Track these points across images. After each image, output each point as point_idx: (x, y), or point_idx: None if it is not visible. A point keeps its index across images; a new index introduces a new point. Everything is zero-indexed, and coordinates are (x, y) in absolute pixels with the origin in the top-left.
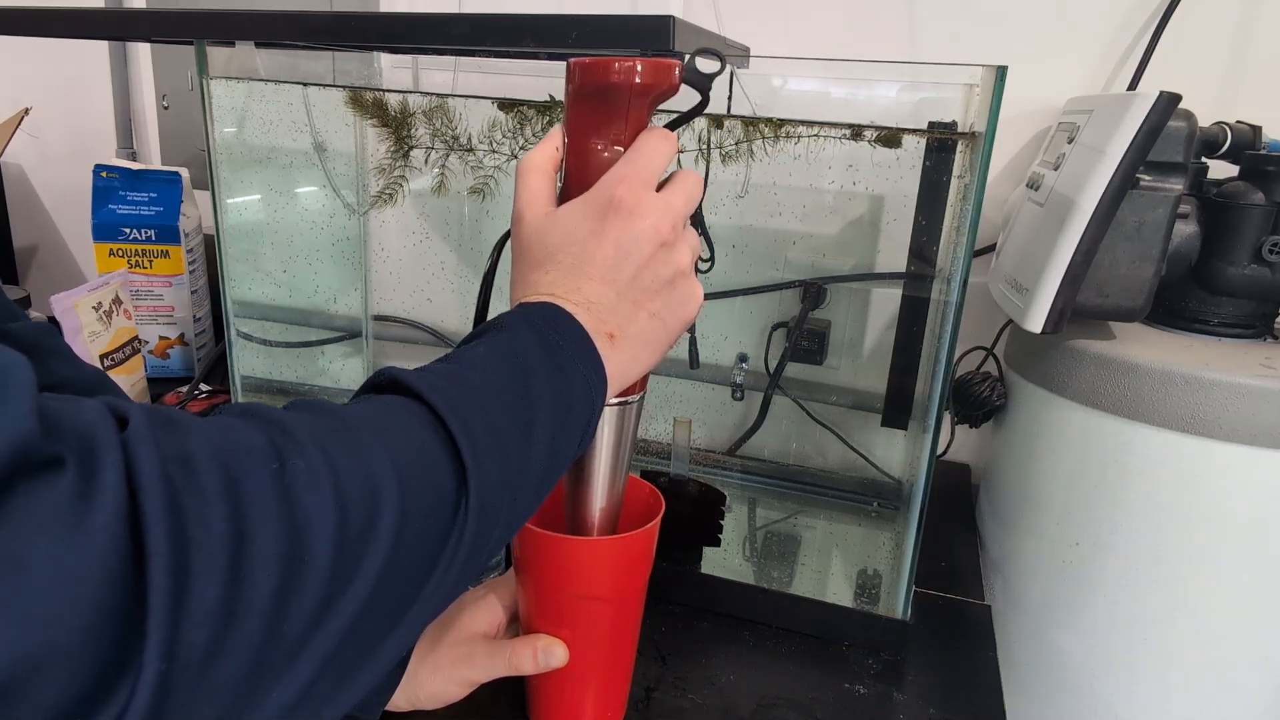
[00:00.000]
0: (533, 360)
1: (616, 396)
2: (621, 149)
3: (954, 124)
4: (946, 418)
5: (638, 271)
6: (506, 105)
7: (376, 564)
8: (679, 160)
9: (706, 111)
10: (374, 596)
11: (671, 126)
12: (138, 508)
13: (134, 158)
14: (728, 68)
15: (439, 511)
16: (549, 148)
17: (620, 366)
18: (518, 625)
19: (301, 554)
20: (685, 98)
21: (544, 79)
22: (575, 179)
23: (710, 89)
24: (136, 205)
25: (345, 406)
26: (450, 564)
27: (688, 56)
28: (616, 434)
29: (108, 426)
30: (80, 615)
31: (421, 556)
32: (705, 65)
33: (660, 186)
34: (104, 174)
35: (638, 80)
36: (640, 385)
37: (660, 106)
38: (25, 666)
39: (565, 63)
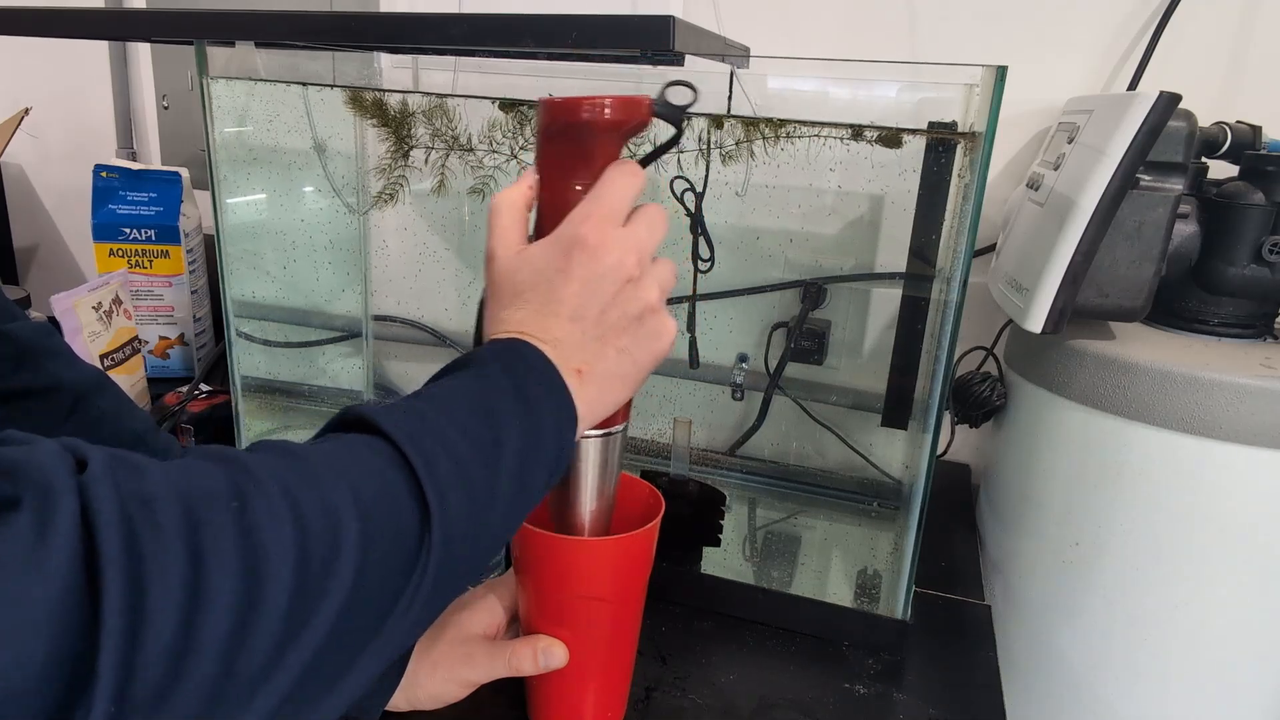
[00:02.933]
0: (499, 395)
1: (599, 428)
2: (593, 185)
3: (954, 124)
4: (946, 418)
5: (604, 309)
6: (507, 105)
7: (336, 602)
8: (679, 162)
9: (706, 112)
10: (334, 633)
11: (643, 162)
12: (94, 548)
13: (134, 158)
14: (714, 64)
15: (401, 548)
16: (522, 186)
17: (590, 402)
18: (518, 626)
19: (259, 593)
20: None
21: (544, 79)
22: (548, 216)
23: (684, 121)
24: (136, 205)
25: (309, 445)
26: (413, 600)
27: (659, 89)
28: (600, 464)
29: (64, 468)
30: (33, 656)
31: (383, 593)
32: (677, 97)
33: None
34: (104, 174)
35: (606, 117)
36: (623, 415)
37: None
38: None
39: (538, 100)
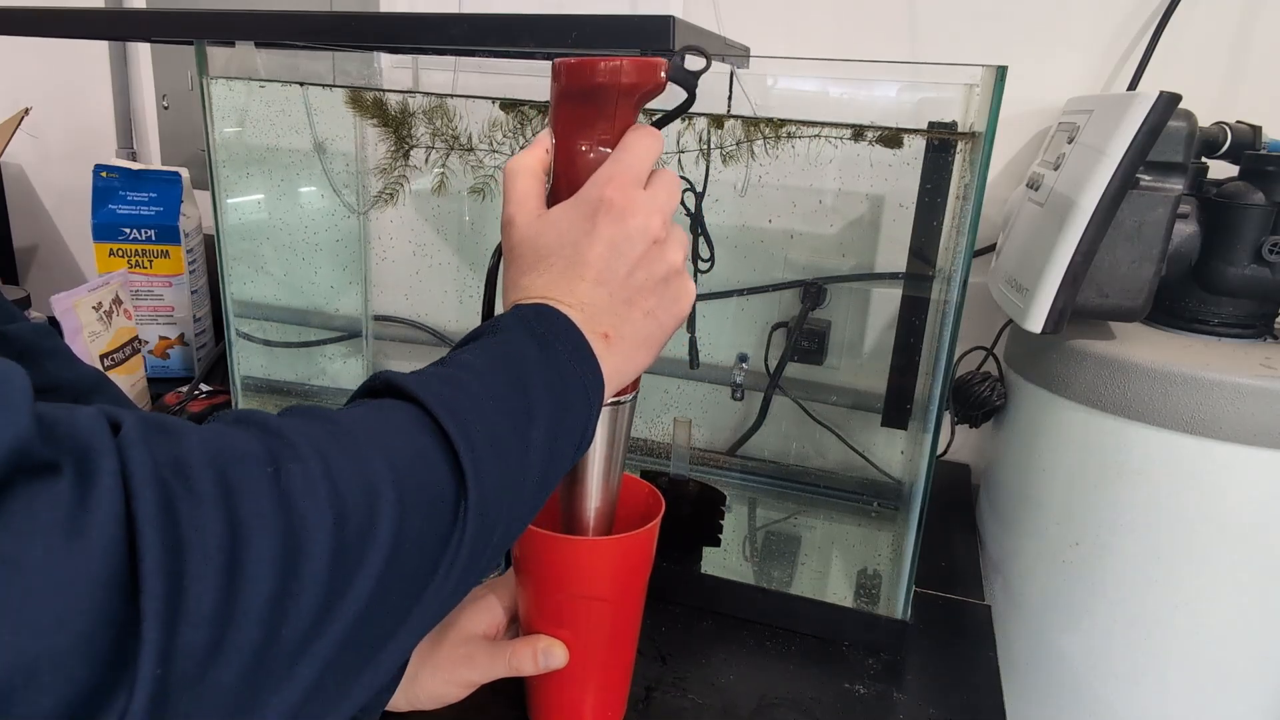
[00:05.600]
0: (529, 362)
1: (610, 397)
2: (609, 149)
3: (954, 124)
4: (946, 418)
5: (631, 270)
6: (507, 105)
7: (376, 567)
8: (680, 161)
9: (706, 112)
10: (374, 600)
11: (659, 124)
12: (131, 511)
13: (134, 158)
14: (714, 65)
15: (438, 514)
16: (538, 150)
17: (616, 366)
18: (518, 626)
19: (298, 556)
20: (673, 94)
21: (544, 79)
22: (564, 180)
23: (697, 86)
24: (136, 205)
25: (341, 411)
26: (451, 567)
27: (674, 55)
28: (610, 434)
29: (104, 432)
30: (76, 619)
31: (421, 559)
32: (692, 63)
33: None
34: (104, 174)
35: (624, 80)
36: (633, 386)
37: (648, 105)
38: (22, 672)
39: (550, 63)
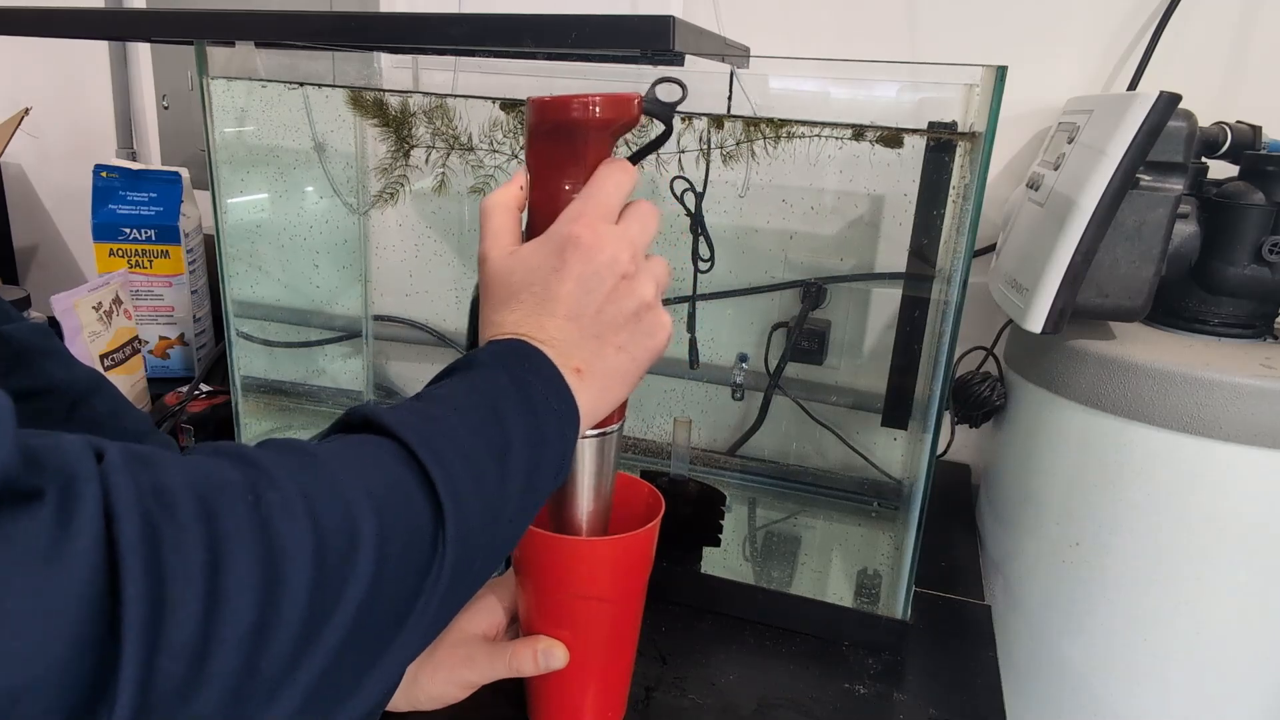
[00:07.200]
0: (504, 396)
1: (595, 428)
2: (583, 184)
3: (954, 124)
4: (946, 418)
5: (600, 306)
6: (507, 105)
7: (357, 595)
8: (679, 162)
9: (706, 112)
10: (355, 628)
11: (634, 159)
12: (113, 538)
13: (134, 158)
14: (713, 65)
15: (418, 544)
16: (513, 186)
17: (591, 400)
18: (518, 626)
19: (280, 584)
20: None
21: (544, 79)
22: (540, 215)
23: (673, 118)
24: (136, 205)
25: (318, 444)
26: (431, 597)
27: (649, 87)
28: (597, 463)
29: (88, 459)
30: (57, 646)
31: (402, 589)
32: (666, 94)
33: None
34: (104, 174)
35: (596, 115)
36: (618, 414)
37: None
38: (3, 699)
39: (527, 99)
